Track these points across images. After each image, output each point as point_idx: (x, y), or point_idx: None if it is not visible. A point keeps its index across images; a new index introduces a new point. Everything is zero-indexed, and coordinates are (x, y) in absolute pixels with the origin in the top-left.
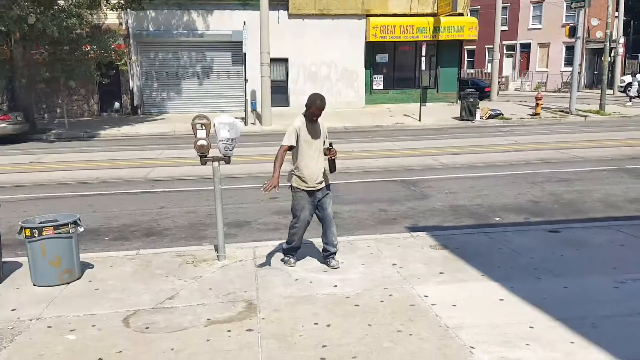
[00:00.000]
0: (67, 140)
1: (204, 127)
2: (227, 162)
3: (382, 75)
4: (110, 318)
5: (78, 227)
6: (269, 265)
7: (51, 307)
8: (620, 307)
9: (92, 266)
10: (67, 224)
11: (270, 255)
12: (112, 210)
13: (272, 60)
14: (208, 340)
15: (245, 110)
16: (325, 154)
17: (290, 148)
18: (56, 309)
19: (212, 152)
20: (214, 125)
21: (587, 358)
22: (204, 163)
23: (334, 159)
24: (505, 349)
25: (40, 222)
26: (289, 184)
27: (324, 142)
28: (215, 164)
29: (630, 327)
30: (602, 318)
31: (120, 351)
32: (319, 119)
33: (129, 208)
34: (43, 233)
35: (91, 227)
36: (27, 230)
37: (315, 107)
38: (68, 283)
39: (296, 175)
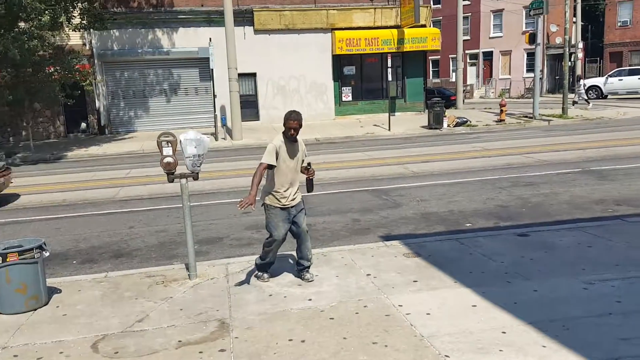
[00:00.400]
0: (33, 163)
1: (170, 144)
2: (195, 178)
3: (350, 87)
4: (78, 344)
5: (44, 252)
6: (242, 282)
7: (18, 335)
8: (590, 308)
9: (60, 291)
10: (32, 249)
11: (243, 271)
12: (79, 232)
13: (241, 75)
14: None
15: (215, 126)
16: (302, 173)
17: (270, 167)
18: (23, 337)
19: (180, 169)
20: (180, 142)
21: None
22: (171, 180)
23: (312, 179)
24: (480, 356)
25: (4, 248)
26: (262, 202)
27: (302, 161)
28: (183, 181)
29: (601, 328)
30: (572, 320)
31: None
32: (299, 139)
33: (97, 229)
34: (7, 259)
35: (59, 250)
36: None
37: (290, 121)
38: (35, 309)
39: (271, 193)
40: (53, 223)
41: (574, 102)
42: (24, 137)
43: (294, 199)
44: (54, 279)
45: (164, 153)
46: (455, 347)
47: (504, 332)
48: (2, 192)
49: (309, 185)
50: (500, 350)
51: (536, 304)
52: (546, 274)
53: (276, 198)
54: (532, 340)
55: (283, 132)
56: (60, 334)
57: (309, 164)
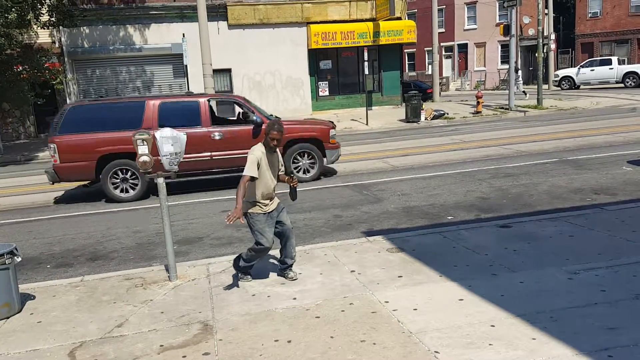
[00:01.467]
0: (2, 165)
1: (145, 143)
2: (173, 177)
3: (327, 82)
4: (54, 353)
5: (15, 257)
6: (224, 282)
7: None
8: (576, 298)
9: (34, 297)
10: (2, 255)
11: (225, 271)
12: (53, 235)
13: (216, 71)
14: None
15: None
16: (285, 182)
17: (252, 179)
18: None
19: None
20: (157, 139)
21: (550, 354)
22: (147, 180)
23: (295, 187)
24: (470, 350)
25: None
26: (244, 212)
27: (280, 169)
28: (160, 180)
29: (589, 318)
30: (560, 311)
31: None
32: (278, 152)
33: (71, 232)
34: None
35: (31, 255)
36: None
37: (274, 132)
38: (7, 317)
39: (254, 203)
40: (24, 226)
41: (525, 92)
42: None
43: (275, 202)
44: (27, 285)
45: (140, 152)
46: (444, 342)
47: (493, 326)
48: None
49: (293, 193)
50: (490, 344)
51: (523, 295)
52: (531, 265)
53: (259, 206)
54: (521, 333)
55: (264, 142)
56: (35, 343)
57: (291, 172)
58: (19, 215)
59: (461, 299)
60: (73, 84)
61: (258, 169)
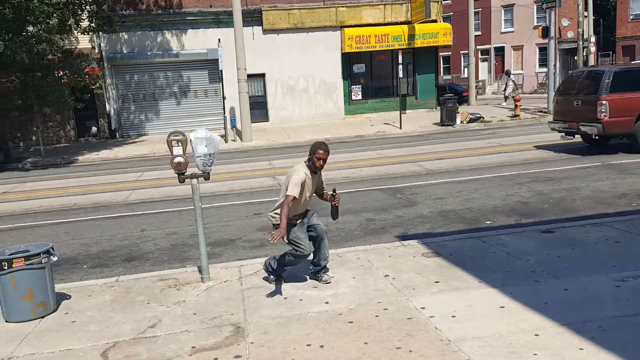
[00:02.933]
0: (43, 168)
1: (180, 144)
2: (207, 178)
3: (360, 86)
4: (87, 353)
5: (51, 257)
6: (256, 285)
7: (24, 344)
8: (625, 306)
9: (69, 297)
10: (39, 254)
11: (256, 273)
12: (90, 236)
13: (250, 76)
14: None
15: (225, 128)
16: (327, 200)
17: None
18: (29, 347)
19: (192, 170)
20: (191, 141)
21: None
22: (182, 181)
23: (338, 206)
24: None
25: (10, 254)
26: (273, 225)
27: (322, 188)
28: (194, 181)
29: (637, 327)
30: (608, 320)
31: None
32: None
33: (108, 233)
34: (13, 265)
35: (68, 255)
36: None
37: (321, 151)
38: (43, 317)
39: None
40: (62, 227)
41: (506, 98)
42: (34, 142)
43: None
44: (63, 285)
45: (174, 153)
46: (485, 351)
47: (537, 335)
48: None
49: (335, 213)
50: (535, 354)
51: (568, 303)
52: (575, 271)
53: (290, 221)
54: (567, 342)
55: (308, 163)
56: (68, 342)
57: (334, 190)
58: (58, 216)
59: (502, 307)
60: (112, 89)
61: (302, 190)
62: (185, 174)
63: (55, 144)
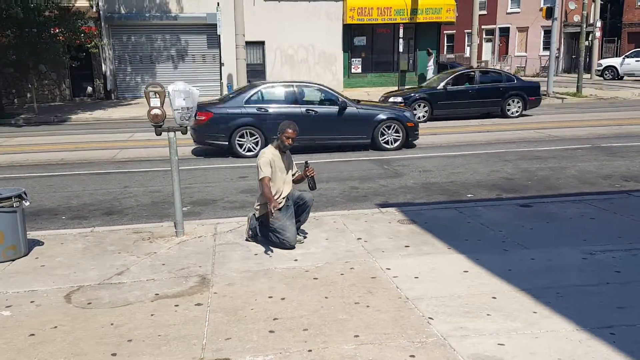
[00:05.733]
0: (36, 125)
1: (157, 95)
2: (184, 132)
3: (360, 59)
4: (51, 294)
5: (23, 202)
6: (230, 241)
7: None
8: (588, 277)
9: (42, 243)
10: (10, 198)
11: (232, 231)
12: (73, 190)
13: (249, 43)
14: (152, 315)
15: (221, 94)
16: (302, 176)
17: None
18: None
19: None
20: (169, 93)
21: (549, 327)
22: (158, 134)
23: (313, 176)
24: (465, 319)
25: None
26: (256, 219)
27: (294, 170)
28: (171, 134)
29: (597, 297)
30: (568, 288)
31: (56, 327)
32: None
33: (90, 188)
34: None
35: (49, 207)
36: None
37: (290, 130)
38: (13, 260)
39: (266, 204)
40: (46, 180)
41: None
42: (29, 99)
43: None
44: (38, 232)
45: (152, 104)
46: (440, 310)
47: (494, 297)
48: None
49: (311, 183)
50: (488, 315)
51: (532, 272)
52: (545, 243)
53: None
54: (522, 306)
55: (277, 142)
56: (34, 284)
57: (306, 162)
58: (44, 170)
59: (466, 271)
60: (108, 49)
61: (273, 170)
62: (163, 126)
63: (50, 102)
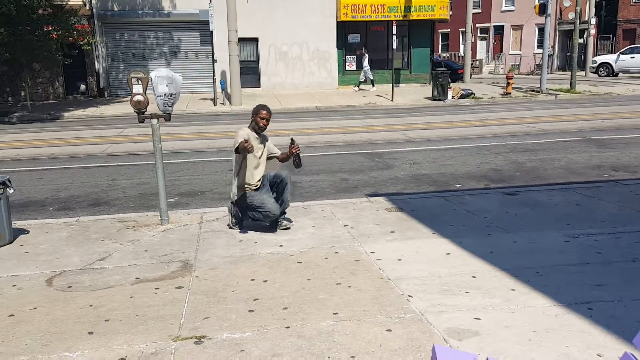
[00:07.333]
0: (29, 122)
1: (140, 82)
2: (167, 119)
3: (355, 56)
4: (33, 279)
5: (7, 189)
6: (215, 229)
7: None
8: (569, 258)
9: (27, 232)
10: None
11: (218, 220)
12: (61, 183)
13: (242, 40)
14: (131, 297)
15: (214, 91)
16: (287, 155)
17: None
18: None
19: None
20: (152, 79)
21: (526, 303)
22: (141, 120)
23: (299, 154)
24: (443, 296)
25: None
26: (234, 203)
27: (273, 152)
28: (154, 121)
29: (576, 275)
30: (548, 267)
31: (35, 308)
32: (265, 135)
33: (79, 181)
34: None
35: (36, 198)
36: None
37: (264, 111)
38: None
39: (242, 186)
40: (36, 174)
41: (360, 83)
42: (23, 97)
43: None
44: (24, 221)
45: (134, 91)
46: (420, 288)
47: (474, 277)
48: None
49: (297, 160)
50: (467, 292)
51: (513, 253)
52: (529, 227)
53: (248, 188)
54: (501, 284)
55: (252, 125)
56: (17, 269)
57: (292, 139)
58: (34, 164)
59: (448, 253)
60: (102, 47)
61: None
62: (145, 113)
63: (44, 101)
